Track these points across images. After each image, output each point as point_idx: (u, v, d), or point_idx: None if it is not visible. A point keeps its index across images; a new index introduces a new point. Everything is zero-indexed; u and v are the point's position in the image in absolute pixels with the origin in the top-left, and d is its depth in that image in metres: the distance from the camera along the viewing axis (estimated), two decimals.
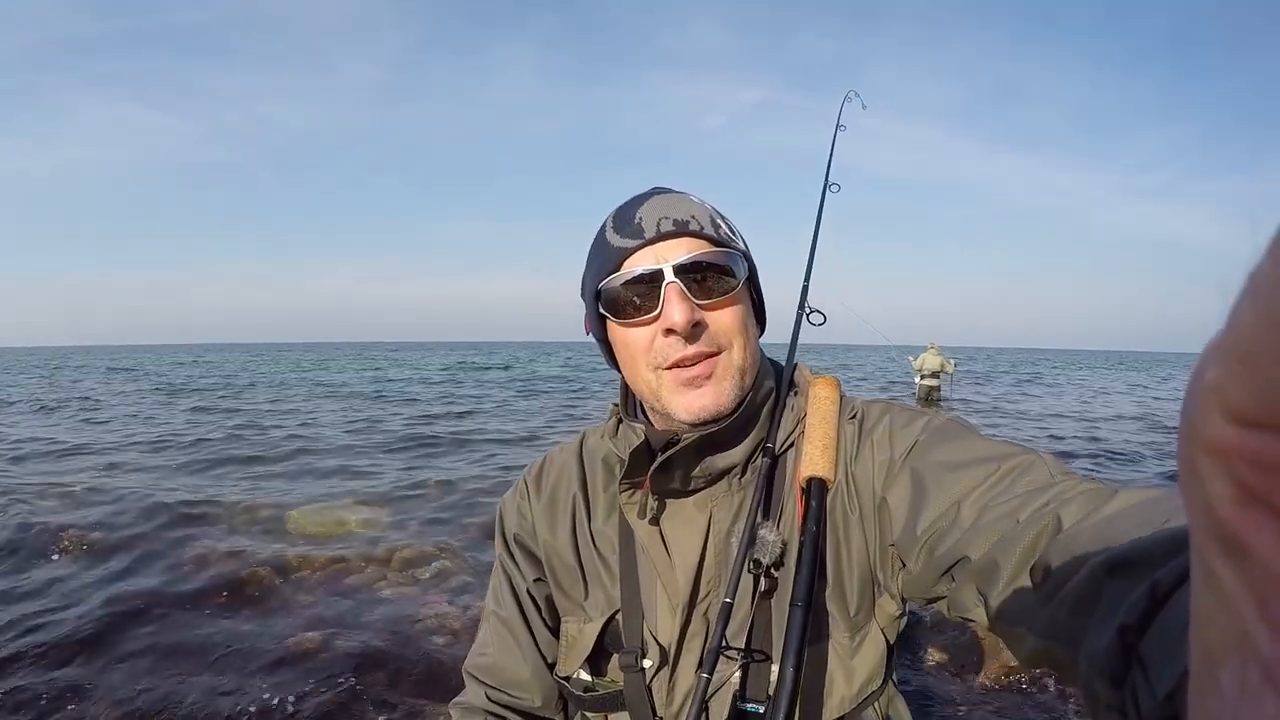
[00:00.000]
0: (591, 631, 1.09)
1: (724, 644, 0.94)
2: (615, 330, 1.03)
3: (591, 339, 1.10)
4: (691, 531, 1.06)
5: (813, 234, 1.33)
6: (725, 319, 0.99)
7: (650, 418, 1.08)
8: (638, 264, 0.97)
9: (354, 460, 10.89)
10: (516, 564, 1.20)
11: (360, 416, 17.25)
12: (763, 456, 1.03)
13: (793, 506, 1.03)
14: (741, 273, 1.01)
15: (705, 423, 0.99)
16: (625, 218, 1.01)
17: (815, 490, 0.97)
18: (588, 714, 1.16)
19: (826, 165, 1.37)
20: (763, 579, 0.98)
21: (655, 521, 1.07)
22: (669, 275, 0.96)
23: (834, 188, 1.34)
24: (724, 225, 1.03)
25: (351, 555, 6.11)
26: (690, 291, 0.96)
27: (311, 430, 14.48)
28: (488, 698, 1.18)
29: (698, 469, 1.03)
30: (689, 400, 0.98)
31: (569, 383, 30.66)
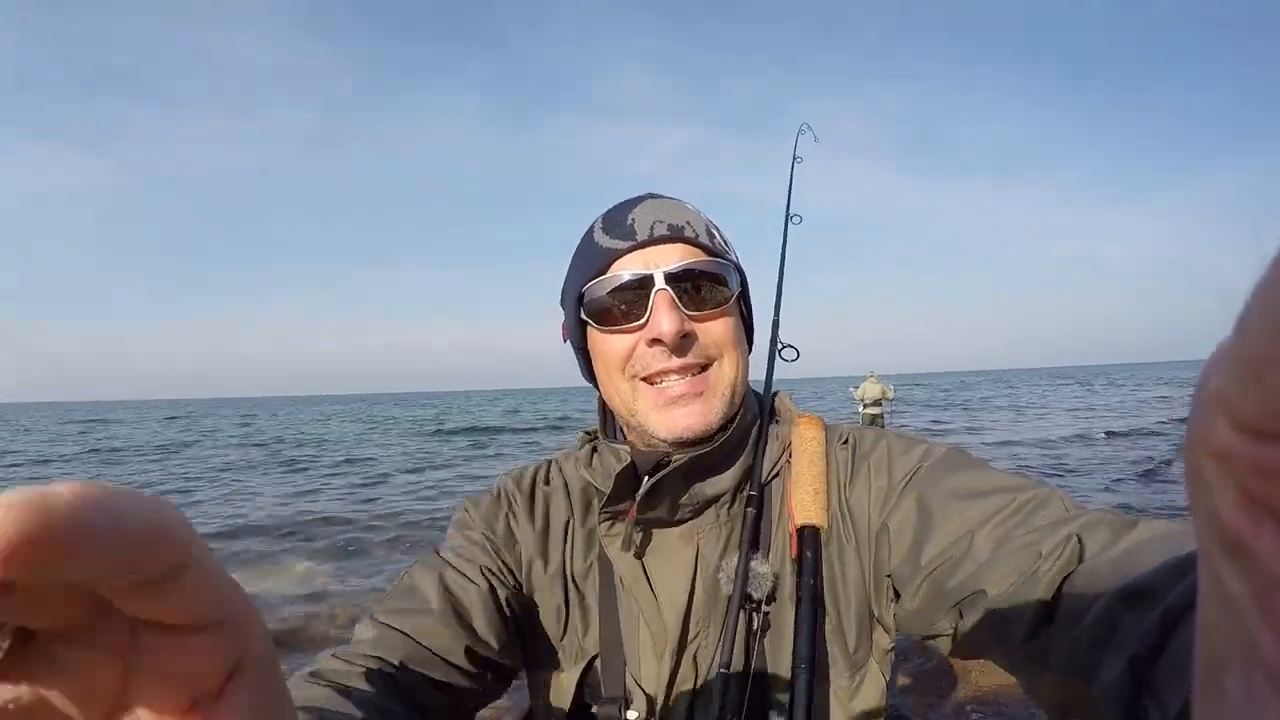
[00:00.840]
0: (569, 681, 0.98)
1: (735, 716, 0.88)
2: (596, 338, 0.97)
3: (569, 347, 1.06)
4: (677, 566, 0.98)
5: (779, 267, 1.30)
6: (717, 330, 0.95)
7: (628, 438, 1.01)
8: (626, 267, 0.92)
9: None
10: (494, 566, 1.00)
11: None
12: (748, 488, 0.98)
13: (783, 538, 0.99)
14: (735, 285, 0.97)
15: (688, 443, 0.93)
16: (616, 219, 0.96)
17: (809, 538, 0.94)
18: None
19: (787, 198, 1.35)
20: (756, 616, 0.94)
21: (639, 555, 0.98)
22: (659, 282, 0.91)
23: (795, 219, 1.32)
24: (719, 235, 1.00)
25: None
26: (681, 301, 0.91)
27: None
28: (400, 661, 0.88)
29: (686, 496, 0.96)
30: (672, 418, 0.92)
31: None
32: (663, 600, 0.97)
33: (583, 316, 0.96)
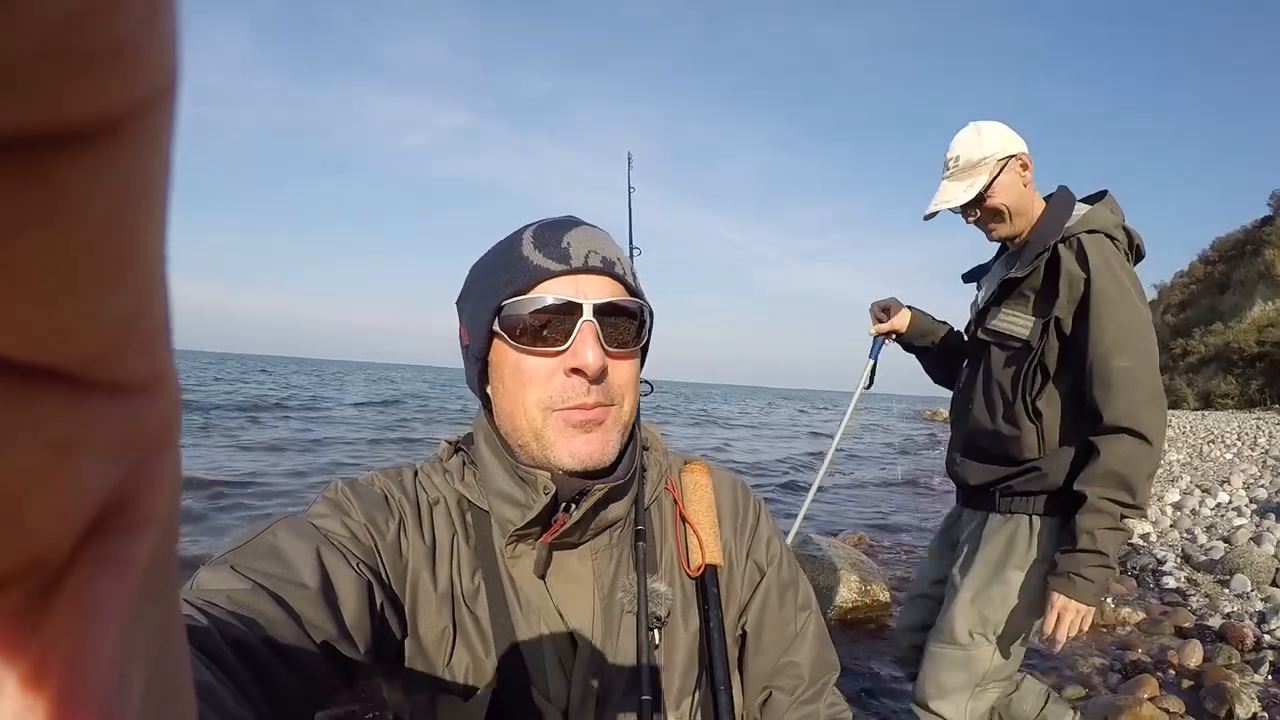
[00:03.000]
0: (478, 706, 0.95)
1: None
2: (505, 353, 0.94)
3: (458, 349, 1.03)
4: (579, 586, 1.01)
5: None
6: (625, 372, 0.97)
7: (515, 456, 0.99)
8: (555, 290, 0.91)
9: None
10: (374, 566, 0.94)
11: None
12: (635, 516, 1.05)
13: (670, 561, 1.08)
14: (648, 328, 0.99)
15: (587, 473, 0.96)
16: (549, 238, 0.94)
17: (710, 577, 1.06)
18: None
19: (629, 229, 1.36)
20: (657, 632, 1.01)
21: (543, 576, 1.00)
22: (588, 312, 0.91)
23: (637, 251, 1.33)
24: (637, 279, 1.01)
25: None
26: (603, 335, 0.92)
27: None
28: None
29: (595, 522, 0.99)
30: (576, 445, 0.94)
31: None
32: (569, 618, 1.00)
33: (496, 329, 0.93)
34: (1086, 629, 2.04)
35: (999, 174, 2.11)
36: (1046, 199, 2.23)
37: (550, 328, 0.91)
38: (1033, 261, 2.07)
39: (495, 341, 0.95)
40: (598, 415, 0.94)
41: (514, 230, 0.99)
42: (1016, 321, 2.13)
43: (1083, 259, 2.01)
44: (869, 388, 2.83)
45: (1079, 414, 2.05)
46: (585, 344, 0.90)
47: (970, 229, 2.31)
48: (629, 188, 1.50)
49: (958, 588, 2.30)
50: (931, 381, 2.72)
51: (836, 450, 3.06)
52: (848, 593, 5.05)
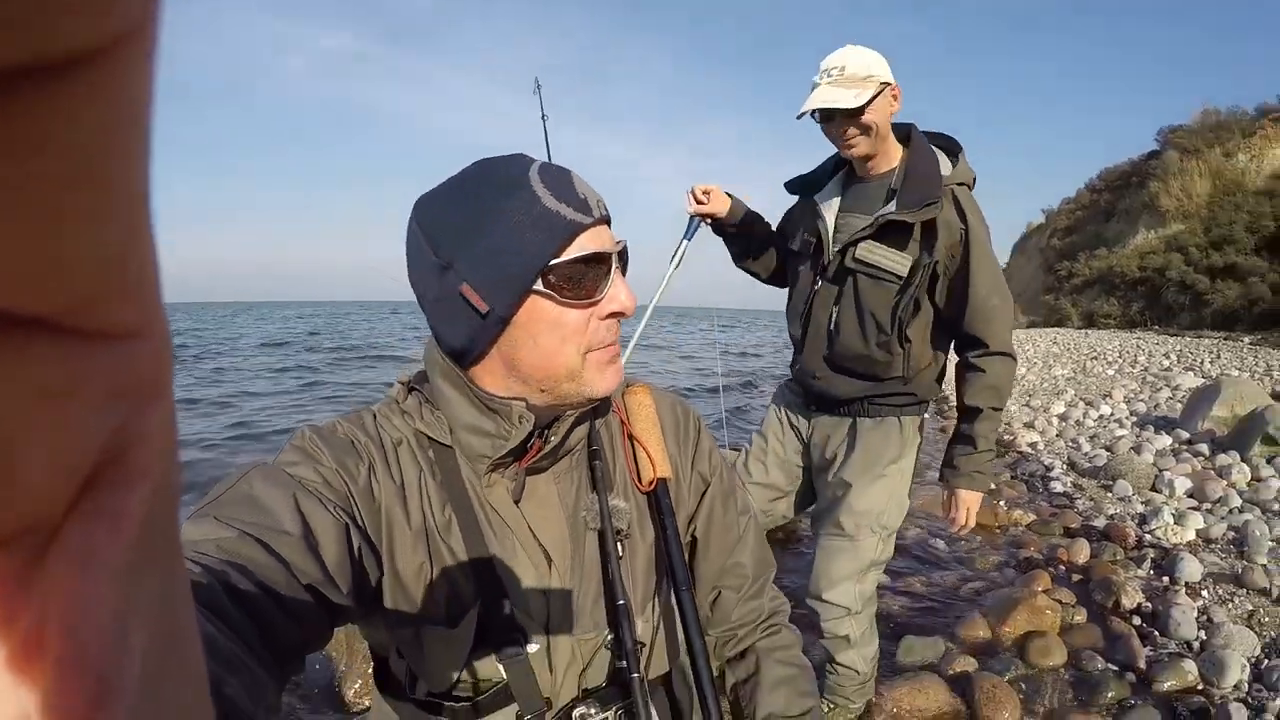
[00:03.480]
0: (464, 632, 0.97)
1: (632, 642, 1.04)
2: (543, 310, 0.92)
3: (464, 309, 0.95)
4: (549, 509, 1.07)
5: None
6: None
7: (518, 395, 0.98)
8: (588, 243, 0.93)
9: None
10: (349, 510, 0.94)
11: None
12: (589, 439, 1.13)
13: (622, 479, 1.16)
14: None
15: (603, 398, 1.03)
16: (562, 186, 0.92)
17: (662, 489, 1.14)
18: None
19: (547, 157, 1.32)
20: (621, 545, 1.09)
21: (518, 500, 1.05)
22: (616, 260, 0.97)
23: None
24: None
25: None
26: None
27: None
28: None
29: (564, 445, 1.06)
30: (608, 377, 0.99)
31: None
32: (544, 539, 1.05)
33: (538, 287, 0.91)
34: None
35: (878, 95, 2.23)
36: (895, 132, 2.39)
37: (594, 280, 0.95)
38: (921, 209, 2.24)
39: (530, 300, 0.92)
40: (617, 349, 1.01)
41: (490, 172, 0.94)
42: (892, 258, 2.30)
43: (960, 211, 2.28)
44: (678, 268, 2.93)
45: (939, 340, 2.43)
46: (620, 289, 0.97)
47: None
48: (542, 115, 1.46)
49: (845, 485, 2.50)
50: (734, 265, 2.87)
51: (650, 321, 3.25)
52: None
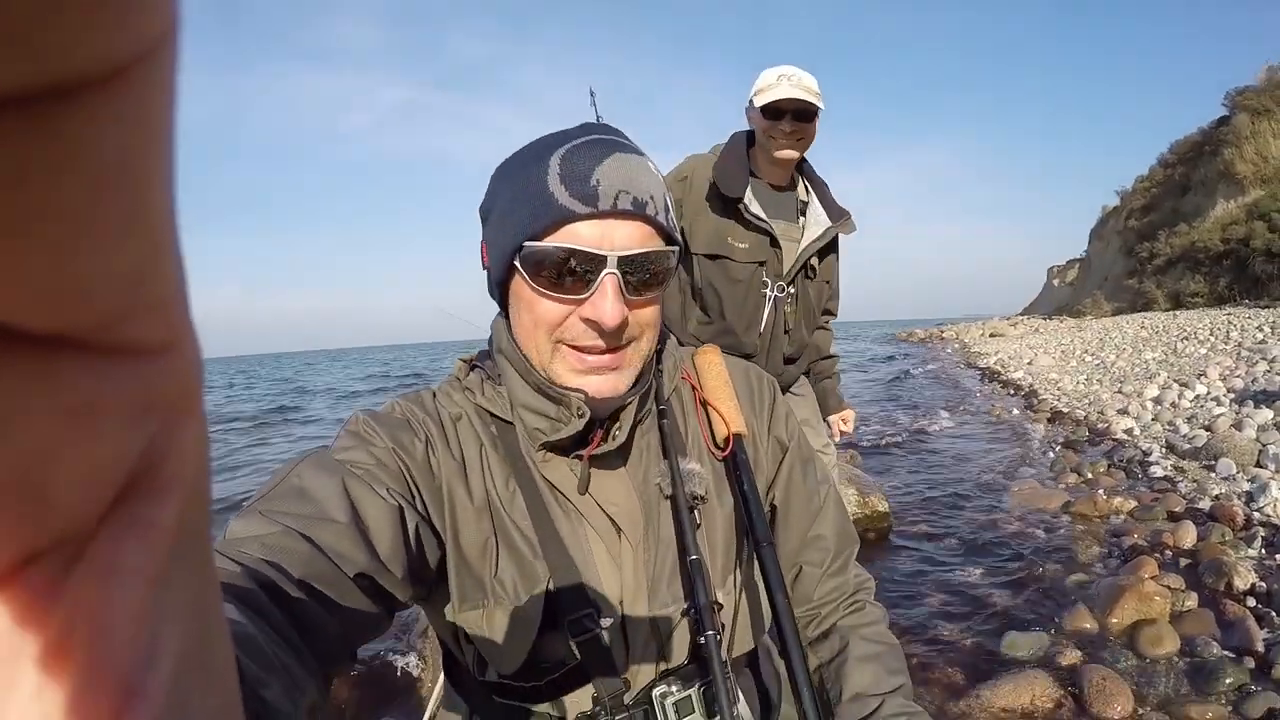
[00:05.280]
0: (533, 608, 0.95)
1: (706, 598, 0.96)
2: (522, 288, 0.92)
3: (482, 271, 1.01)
4: (616, 479, 1.02)
5: None
6: (646, 315, 0.94)
7: (531, 368, 0.98)
8: (580, 239, 0.87)
9: None
10: (404, 492, 0.92)
11: None
12: (654, 404, 1.08)
13: (697, 442, 1.11)
14: (674, 264, 0.96)
15: (597, 403, 0.96)
16: (578, 172, 0.87)
17: (739, 445, 1.09)
18: (532, 707, 1.01)
19: None
20: (698, 511, 1.04)
21: (585, 488, 1.01)
22: (611, 264, 0.87)
23: None
24: (671, 210, 0.97)
25: None
26: (626, 287, 0.89)
27: None
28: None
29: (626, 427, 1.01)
30: (586, 383, 0.94)
31: None
32: (611, 510, 1.01)
33: (516, 264, 0.90)
34: None
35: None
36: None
37: (573, 276, 0.88)
38: (845, 222, 2.65)
39: (515, 274, 0.92)
40: (610, 361, 0.93)
41: (544, 139, 0.93)
42: (818, 262, 2.67)
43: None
44: None
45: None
46: (604, 297, 0.88)
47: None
48: (598, 121, 1.49)
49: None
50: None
51: None
52: (847, 506, 5.12)
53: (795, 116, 2.41)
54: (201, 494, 0.19)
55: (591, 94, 1.50)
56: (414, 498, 0.92)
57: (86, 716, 0.15)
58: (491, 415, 1.02)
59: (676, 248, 0.95)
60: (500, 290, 0.98)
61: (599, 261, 0.87)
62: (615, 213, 0.86)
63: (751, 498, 1.06)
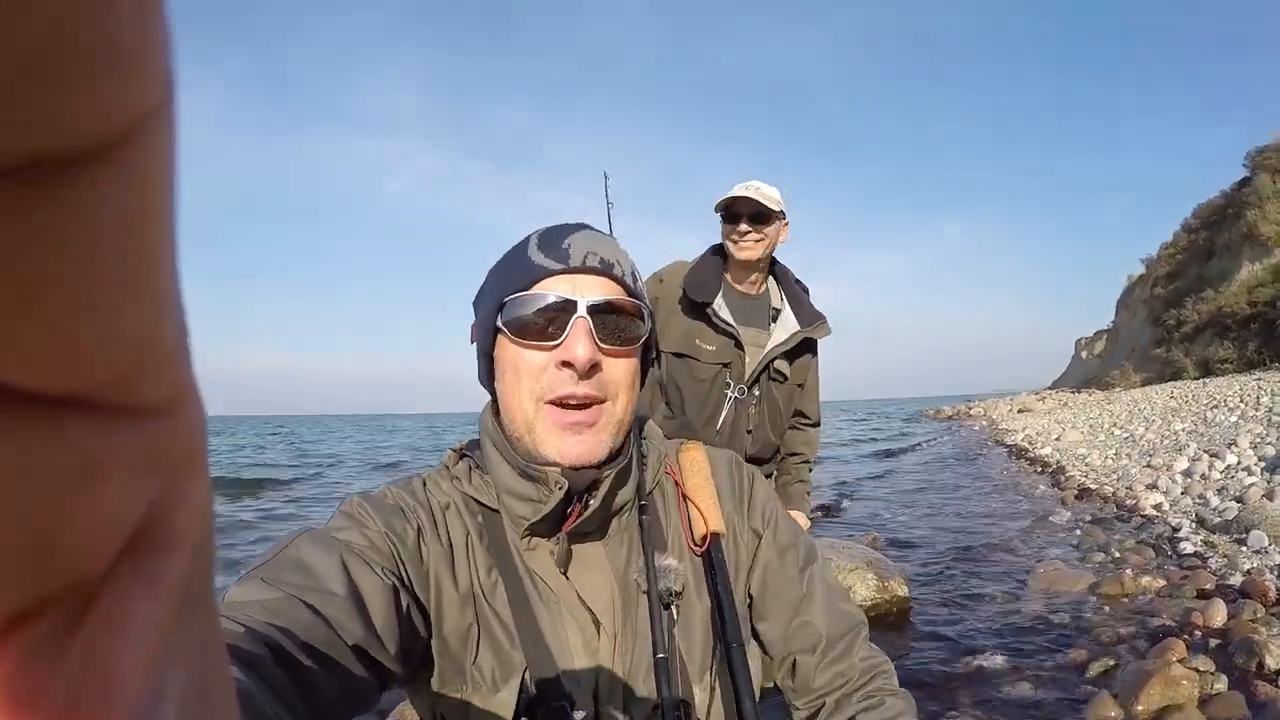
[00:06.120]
0: (509, 697, 0.97)
1: (671, 695, 0.98)
2: (507, 348, 0.99)
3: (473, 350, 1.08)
4: (597, 573, 1.06)
5: None
6: (619, 369, 1.00)
7: (514, 450, 1.02)
8: (553, 288, 0.96)
9: None
10: (398, 572, 0.96)
11: None
12: (637, 498, 1.10)
13: (677, 539, 1.12)
14: (646, 328, 1.02)
15: (576, 469, 0.99)
16: (553, 240, 0.99)
17: (715, 544, 1.10)
18: None
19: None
20: (674, 608, 1.05)
21: (565, 569, 1.04)
22: (581, 309, 0.95)
23: None
24: (639, 279, 1.05)
25: None
26: (597, 332, 0.96)
27: None
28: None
29: (608, 508, 1.04)
30: (565, 445, 0.97)
31: None
32: (591, 603, 1.03)
33: (499, 324, 0.98)
34: None
35: (781, 219, 2.62)
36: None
37: (548, 323, 0.95)
38: (817, 327, 2.74)
39: (499, 337, 1.00)
40: (588, 417, 0.97)
41: (525, 235, 1.05)
42: (784, 363, 2.75)
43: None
44: None
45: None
46: (577, 339, 0.94)
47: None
48: (608, 203, 1.55)
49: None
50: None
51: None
52: (865, 590, 5.04)
53: (751, 219, 2.55)
54: (205, 548, 0.19)
55: (605, 177, 1.55)
56: (405, 581, 0.96)
57: None
58: (478, 504, 1.07)
59: (644, 306, 1.02)
60: (487, 362, 1.05)
61: (570, 306, 0.95)
62: (585, 269, 0.97)
63: (725, 598, 1.07)
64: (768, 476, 2.93)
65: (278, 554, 0.89)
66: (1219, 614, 4.24)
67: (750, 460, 2.73)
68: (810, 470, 2.97)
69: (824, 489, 13.02)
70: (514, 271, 0.99)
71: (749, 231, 2.56)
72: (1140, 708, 3.32)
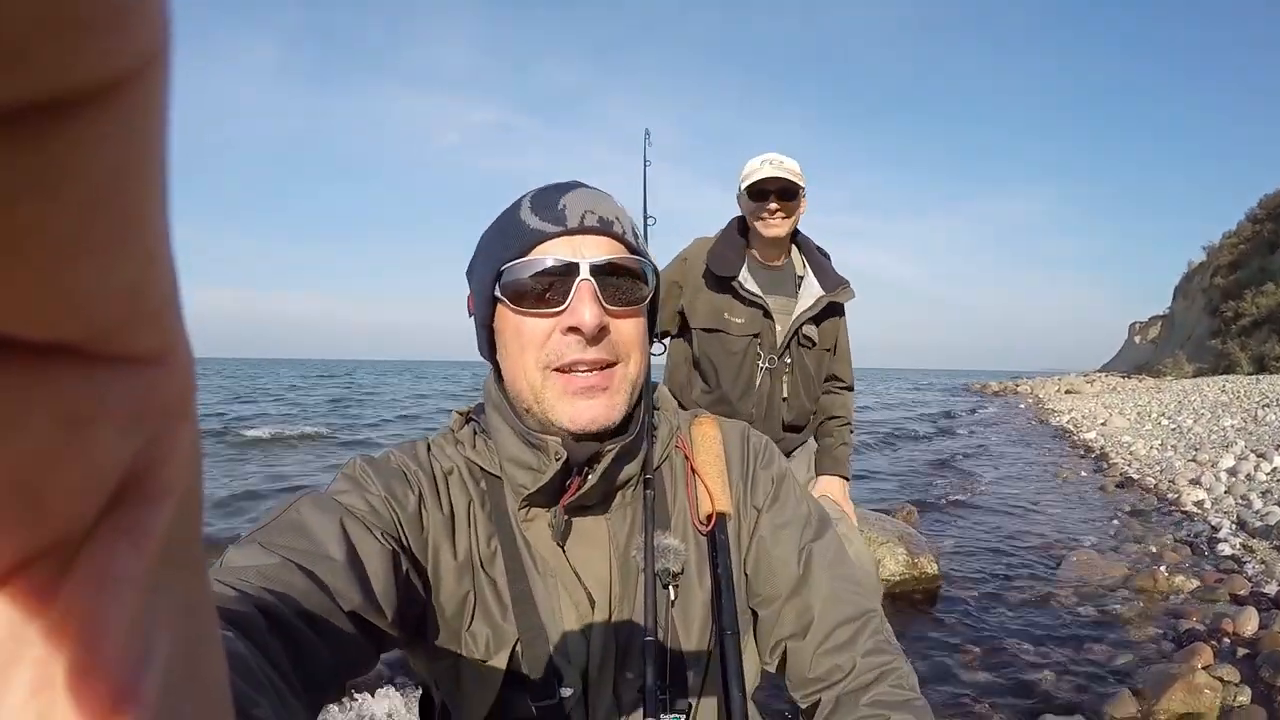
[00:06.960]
0: (499, 665, 0.97)
1: (657, 681, 0.95)
2: (507, 317, 0.96)
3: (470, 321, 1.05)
4: (594, 546, 1.03)
5: None
6: (627, 329, 0.97)
7: (525, 422, 1.00)
8: (553, 252, 0.92)
9: None
10: (397, 536, 0.95)
11: None
12: (642, 472, 1.06)
13: (682, 517, 1.09)
14: (651, 285, 0.99)
15: (590, 435, 0.97)
16: (547, 201, 0.95)
17: (719, 525, 1.07)
18: None
19: (643, 200, 1.37)
20: (672, 588, 1.03)
21: (562, 542, 1.02)
22: (584, 272, 0.91)
23: (651, 220, 1.33)
24: (640, 234, 1.02)
25: None
26: (602, 294, 0.92)
27: None
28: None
29: (610, 483, 1.02)
30: (577, 410, 0.95)
31: None
32: (586, 579, 1.02)
33: (497, 294, 0.95)
34: None
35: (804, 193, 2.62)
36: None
37: (550, 289, 0.92)
38: (842, 290, 2.75)
39: (498, 307, 0.97)
40: (599, 380, 0.95)
41: (517, 197, 1.00)
42: (812, 328, 2.76)
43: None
44: None
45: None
46: (582, 302, 0.91)
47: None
48: (645, 161, 1.54)
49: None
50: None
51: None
52: (894, 565, 5.04)
53: (779, 195, 2.57)
54: (193, 501, 0.19)
55: (646, 134, 1.54)
56: (405, 547, 0.95)
57: (80, 718, 0.15)
58: (482, 470, 1.05)
59: (647, 262, 0.99)
60: (487, 334, 1.02)
61: (572, 270, 0.91)
62: (583, 229, 0.93)
63: (725, 581, 1.03)
64: (804, 444, 2.96)
65: (278, 518, 0.89)
66: (1250, 622, 4.18)
67: (788, 429, 2.83)
68: (852, 432, 2.98)
69: (869, 454, 13.02)
70: (508, 237, 0.95)
71: (778, 209, 2.58)
72: (1160, 710, 3.31)
